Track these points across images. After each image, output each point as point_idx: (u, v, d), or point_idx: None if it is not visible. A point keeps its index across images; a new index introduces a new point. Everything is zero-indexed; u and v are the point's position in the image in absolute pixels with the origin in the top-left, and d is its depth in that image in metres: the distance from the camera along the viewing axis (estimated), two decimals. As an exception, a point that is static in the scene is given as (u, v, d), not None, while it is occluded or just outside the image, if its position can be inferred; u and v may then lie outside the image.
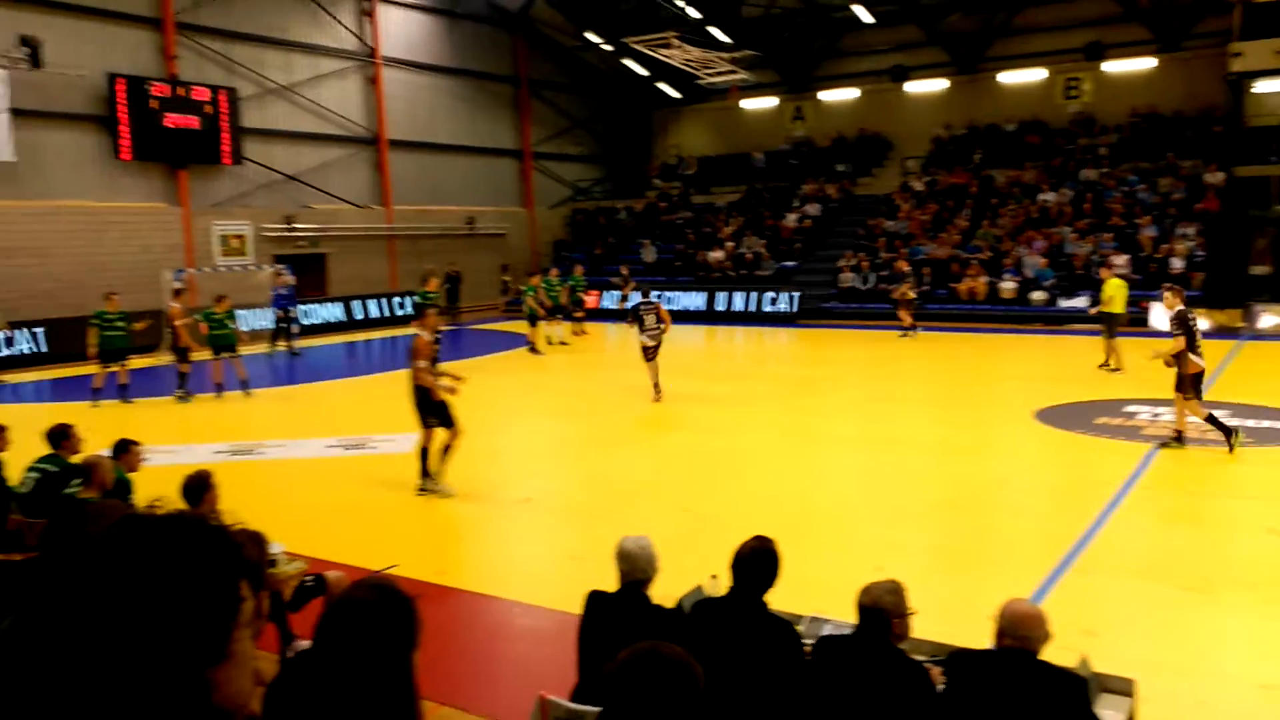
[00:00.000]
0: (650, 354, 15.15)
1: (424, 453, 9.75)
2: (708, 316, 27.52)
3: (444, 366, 10.53)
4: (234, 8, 25.29)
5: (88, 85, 22.33)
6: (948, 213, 28.18)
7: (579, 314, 24.82)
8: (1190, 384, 10.27)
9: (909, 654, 3.77)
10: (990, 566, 7.45)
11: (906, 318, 21.76)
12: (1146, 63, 28.24)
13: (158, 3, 23.68)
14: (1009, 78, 30.10)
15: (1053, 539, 7.87)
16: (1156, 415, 12.21)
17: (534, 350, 21.04)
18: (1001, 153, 29.58)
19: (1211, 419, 10.31)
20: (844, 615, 4.22)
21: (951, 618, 5.52)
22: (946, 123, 31.24)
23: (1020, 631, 3.53)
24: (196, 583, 1.28)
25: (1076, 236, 25.09)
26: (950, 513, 8.97)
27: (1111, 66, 28.79)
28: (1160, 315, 21.25)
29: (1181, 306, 10.52)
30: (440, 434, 9.81)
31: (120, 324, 15.79)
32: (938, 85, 31.21)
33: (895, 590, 3.74)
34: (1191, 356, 10.23)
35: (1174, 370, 10.38)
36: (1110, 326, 16.01)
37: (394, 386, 17.45)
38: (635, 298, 19.96)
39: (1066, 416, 12.47)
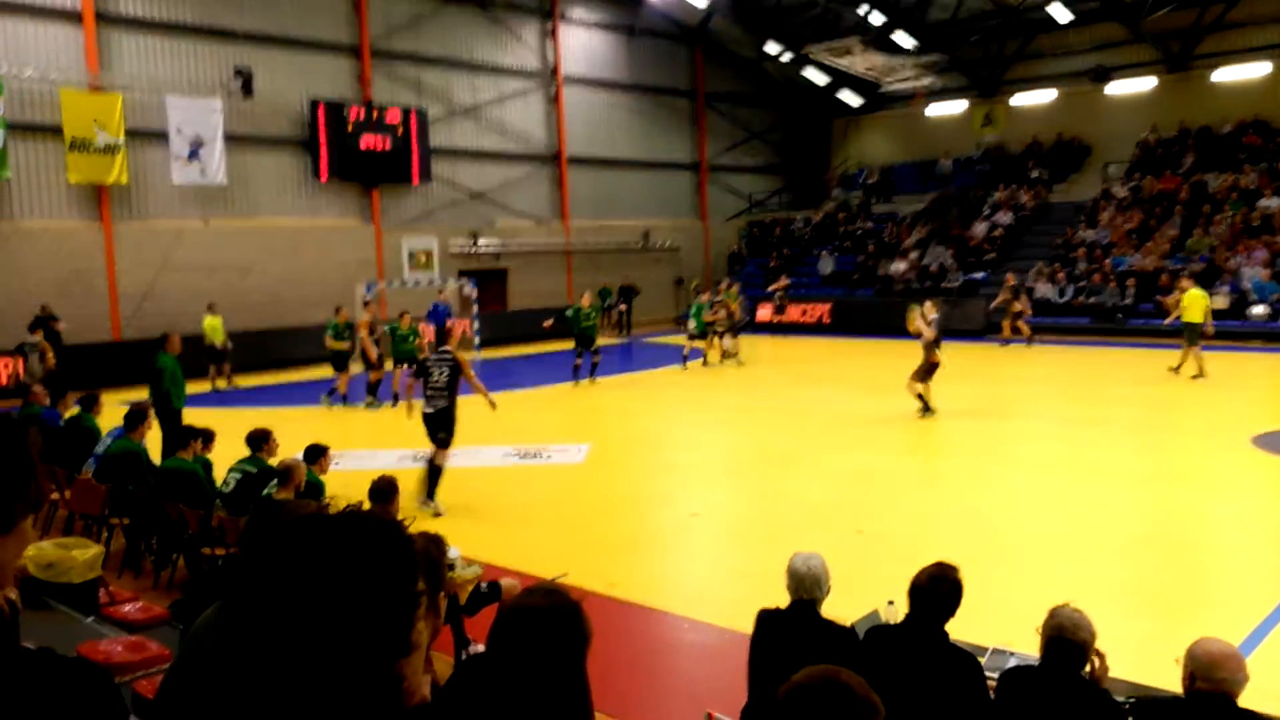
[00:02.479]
0: (720, 334, 20.56)
1: (436, 469, 9.66)
2: (886, 329, 26.68)
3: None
4: (424, 33, 26.57)
5: (291, 111, 23.96)
6: (1154, 221, 26.30)
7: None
8: (925, 372, 13.37)
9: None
10: (1198, 606, 6.81)
11: (1006, 329, 22.49)
12: (1390, 52, 25.50)
13: (355, 31, 25.16)
14: (1225, 74, 27.75)
15: (1272, 579, 7.13)
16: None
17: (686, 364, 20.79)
18: (1216, 156, 27.34)
19: (921, 398, 13.40)
20: (1030, 649, 3.92)
21: (1149, 660, 5.04)
22: (1153, 124, 29.15)
23: (1217, 674, 3.15)
24: (377, 575, 1.33)
25: (1303, 246, 22.89)
26: (1154, 546, 8.27)
27: (1348, 58, 26.16)
28: None
29: (938, 315, 13.70)
30: (444, 453, 9.75)
31: (346, 334, 16.96)
32: (1143, 85, 29.14)
33: (1081, 619, 3.46)
34: (937, 351, 13.29)
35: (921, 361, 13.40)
36: (1190, 336, 16.59)
37: (567, 398, 17.95)
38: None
39: (1290, 442, 11.33)
